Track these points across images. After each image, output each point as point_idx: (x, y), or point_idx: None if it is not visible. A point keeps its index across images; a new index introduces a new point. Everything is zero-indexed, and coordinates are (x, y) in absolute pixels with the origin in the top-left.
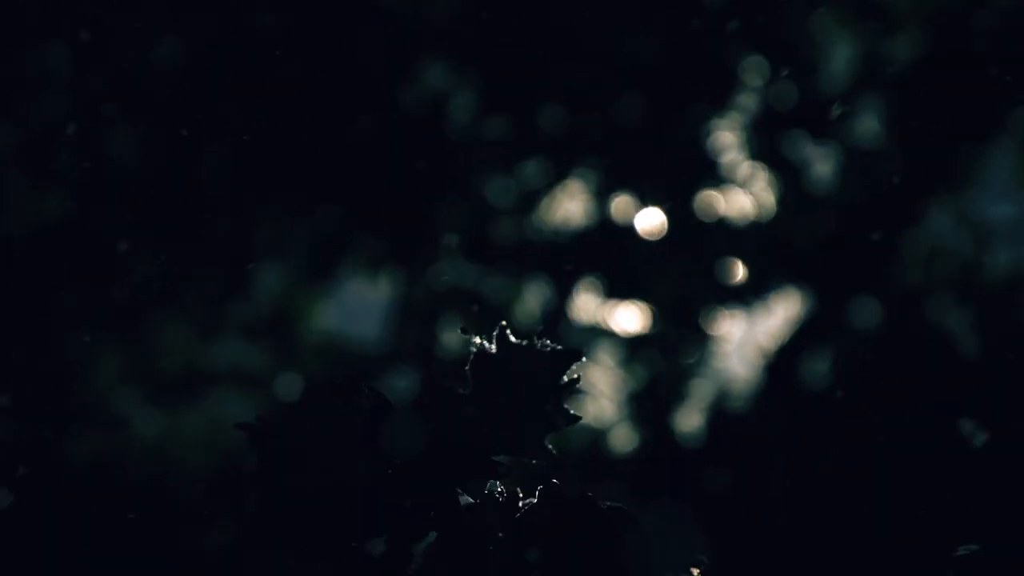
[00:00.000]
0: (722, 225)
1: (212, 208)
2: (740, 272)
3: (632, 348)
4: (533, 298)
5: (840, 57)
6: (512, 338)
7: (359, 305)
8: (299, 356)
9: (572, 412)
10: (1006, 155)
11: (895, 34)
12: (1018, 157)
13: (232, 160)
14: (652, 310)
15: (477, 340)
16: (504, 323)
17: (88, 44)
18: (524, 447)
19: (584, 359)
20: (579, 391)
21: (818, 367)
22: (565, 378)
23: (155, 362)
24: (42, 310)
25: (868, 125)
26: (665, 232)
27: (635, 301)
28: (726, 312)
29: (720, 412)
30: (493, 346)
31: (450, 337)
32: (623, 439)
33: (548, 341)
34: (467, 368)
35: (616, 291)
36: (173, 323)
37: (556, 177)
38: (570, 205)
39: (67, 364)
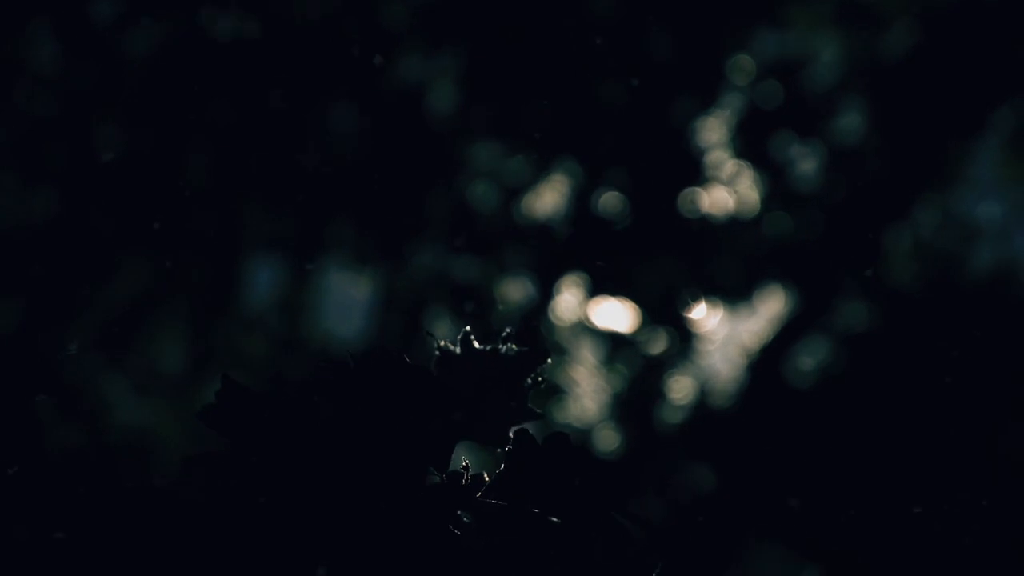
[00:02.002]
0: (707, 223)
1: (199, 202)
2: (725, 270)
3: (616, 346)
4: (516, 294)
5: (825, 54)
6: (476, 343)
7: (345, 299)
8: (289, 349)
9: (535, 410)
10: (991, 152)
11: (881, 31)
12: (1003, 155)
13: (218, 154)
14: (636, 307)
15: (442, 343)
16: (468, 328)
17: (73, 37)
18: (487, 438)
19: (550, 360)
20: (544, 391)
21: (803, 365)
22: (529, 380)
23: (144, 354)
24: (31, 305)
25: (853, 123)
26: (649, 229)
27: (619, 298)
28: (710, 310)
29: (704, 410)
30: (457, 348)
31: (434, 329)
32: (606, 438)
33: (514, 345)
34: (432, 368)
35: (600, 288)
36: (162, 315)
37: (540, 172)
38: (553, 201)
39: (57, 358)
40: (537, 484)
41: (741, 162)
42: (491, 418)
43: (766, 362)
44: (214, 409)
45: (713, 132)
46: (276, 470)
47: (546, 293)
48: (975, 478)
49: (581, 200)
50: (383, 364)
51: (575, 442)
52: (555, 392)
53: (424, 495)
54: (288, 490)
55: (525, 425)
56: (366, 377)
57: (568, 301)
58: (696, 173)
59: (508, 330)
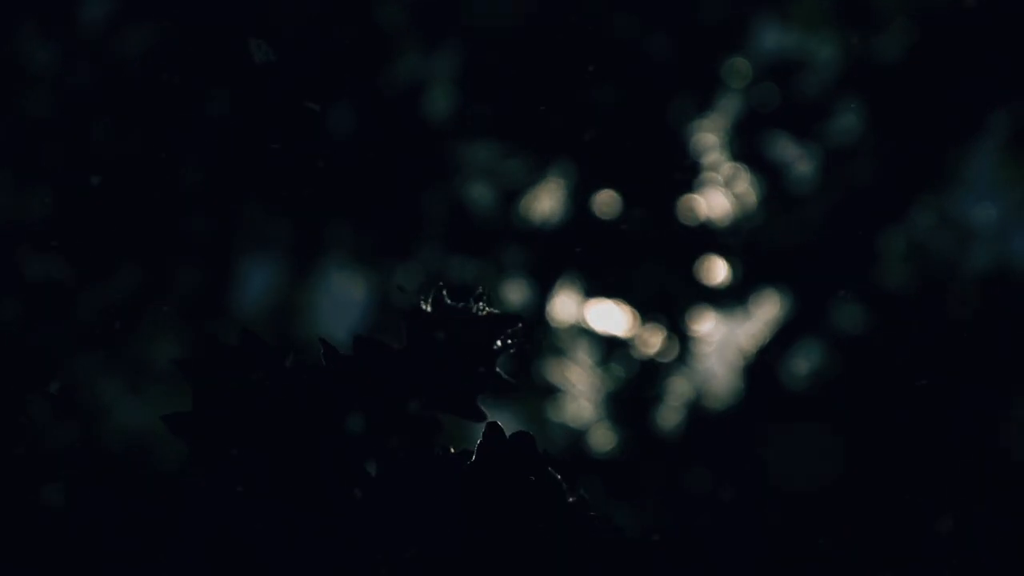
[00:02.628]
0: (703, 225)
1: (194, 202)
2: (721, 272)
3: (612, 347)
4: (513, 295)
5: (822, 56)
6: (448, 300)
7: (342, 299)
8: (285, 349)
9: (505, 377)
10: (989, 154)
11: (877, 32)
12: (1001, 157)
13: (213, 154)
14: (632, 310)
15: (413, 299)
16: (442, 284)
17: (67, 35)
18: (455, 406)
19: (521, 325)
20: (513, 355)
21: (798, 368)
22: (499, 343)
23: (139, 354)
24: (26, 305)
25: (850, 124)
26: (647, 231)
27: (616, 300)
28: (707, 312)
29: (699, 412)
30: (429, 306)
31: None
32: (602, 439)
33: (486, 306)
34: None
35: (596, 290)
36: (157, 316)
37: (537, 174)
38: (550, 202)
39: (49, 357)
40: (500, 479)
41: (737, 164)
42: (460, 384)
43: (762, 365)
44: (192, 361)
45: (709, 134)
46: (242, 429)
47: (543, 295)
48: (972, 480)
49: (578, 202)
50: (359, 348)
51: (557, 442)
52: (551, 392)
53: (394, 471)
54: (253, 452)
55: (510, 422)
56: (342, 362)
57: (565, 303)
58: (692, 175)
59: (481, 290)
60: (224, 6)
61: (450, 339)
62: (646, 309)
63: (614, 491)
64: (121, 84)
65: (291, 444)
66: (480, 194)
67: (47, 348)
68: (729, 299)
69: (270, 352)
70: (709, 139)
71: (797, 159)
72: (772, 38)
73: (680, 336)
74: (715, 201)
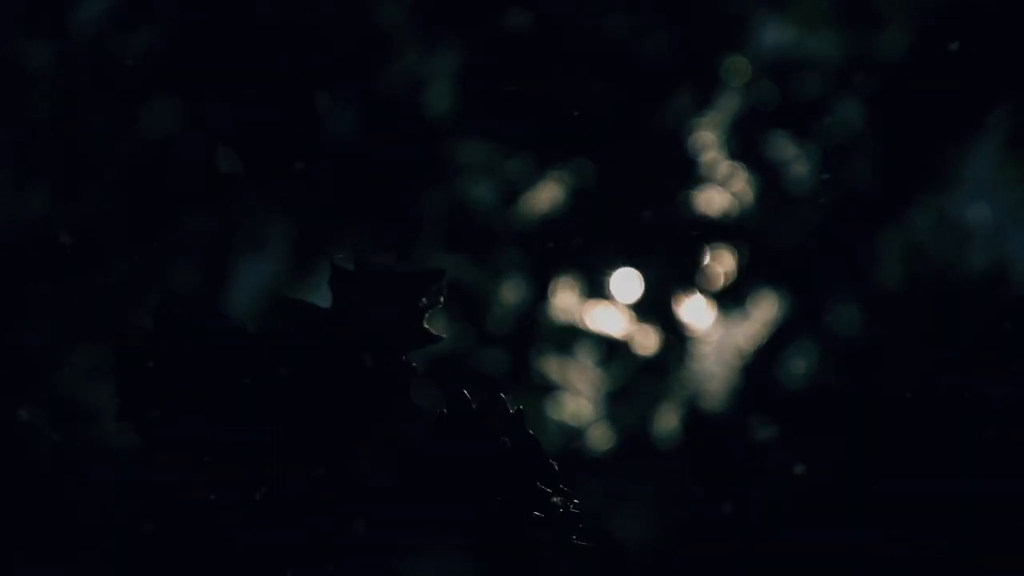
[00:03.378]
0: (701, 225)
1: (191, 200)
2: (719, 272)
3: (610, 347)
4: (511, 295)
5: (821, 54)
6: (370, 260)
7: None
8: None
9: (432, 332)
10: (989, 154)
11: (877, 32)
12: (1001, 156)
13: (211, 151)
14: (630, 310)
15: (336, 260)
16: (361, 246)
17: (63, 33)
18: (389, 366)
19: (444, 280)
20: (438, 310)
21: (796, 368)
22: (424, 299)
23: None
24: (17, 303)
25: (849, 123)
26: (645, 230)
27: (614, 300)
28: (704, 312)
29: (697, 412)
30: (352, 266)
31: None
32: (599, 438)
33: (407, 265)
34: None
35: (595, 290)
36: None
37: (536, 173)
38: (549, 202)
39: (42, 356)
40: (471, 436)
41: (735, 163)
42: (389, 341)
43: (759, 365)
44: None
45: (707, 132)
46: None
47: (541, 294)
48: (970, 480)
49: (577, 201)
50: (287, 311)
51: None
52: (548, 391)
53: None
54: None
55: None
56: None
57: (563, 302)
58: (690, 174)
59: (398, 254)
60: (226, 5)
61: (376, 297)
62: (644, 309)
63: (612, 491)
64: (120, 82)
65: (223, 408)
66: (480, 194)
67: (46, 348)
68: (727, 299)
69: (201, 319)
70: (708, 137)
71: (796, 158)
72: (772, 36)
73: (678, 336)
74: (713, 200)
